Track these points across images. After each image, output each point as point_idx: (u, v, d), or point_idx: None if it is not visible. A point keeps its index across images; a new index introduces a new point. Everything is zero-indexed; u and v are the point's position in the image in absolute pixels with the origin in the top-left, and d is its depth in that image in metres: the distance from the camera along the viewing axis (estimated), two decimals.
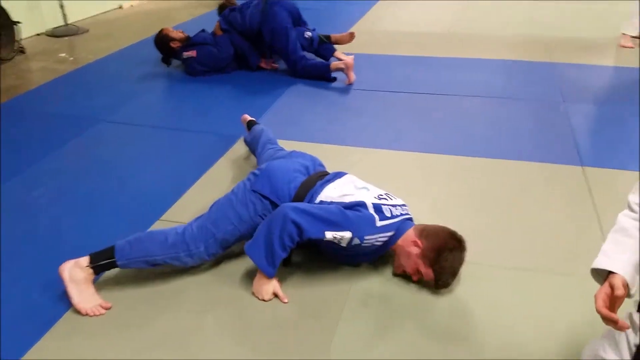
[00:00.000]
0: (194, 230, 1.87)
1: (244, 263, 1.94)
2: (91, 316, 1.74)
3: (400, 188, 2.21)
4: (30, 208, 2.38)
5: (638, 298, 1.25)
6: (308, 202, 1.87)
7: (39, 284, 1.89)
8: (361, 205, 1.81)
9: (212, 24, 4.19)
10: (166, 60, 4.09)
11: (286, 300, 1.79)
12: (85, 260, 1.79)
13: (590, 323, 1.68)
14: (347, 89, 3.71)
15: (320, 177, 2.00)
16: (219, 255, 1.93)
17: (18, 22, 4.46)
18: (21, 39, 4.58)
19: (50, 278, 1.86)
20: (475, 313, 1.76)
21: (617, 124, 3.10)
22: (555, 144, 2.86)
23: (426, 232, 1.81)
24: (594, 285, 1.84)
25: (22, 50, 4.60)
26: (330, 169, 2.18)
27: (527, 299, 1.81)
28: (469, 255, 1.81)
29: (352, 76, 3.73)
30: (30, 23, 5.00)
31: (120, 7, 6.35)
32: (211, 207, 1.95)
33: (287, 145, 2.52)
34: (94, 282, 1.83)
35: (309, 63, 3.86)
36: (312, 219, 1.71)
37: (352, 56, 3.98)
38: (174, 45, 3.99)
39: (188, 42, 3.99)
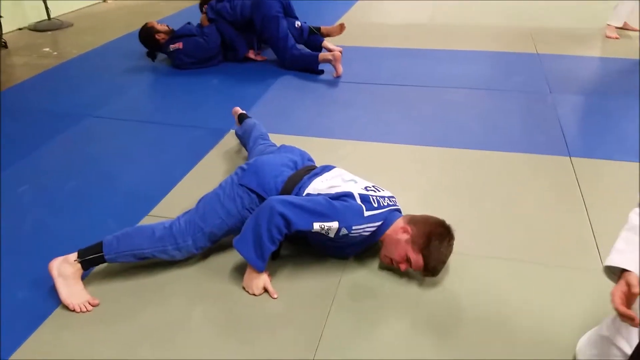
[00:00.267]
0: (181, 224, 1.87)
1: (232, 257, 1.94)
2: (78, 312, 1.73)
3: (389, 180, 2.22)
4: (16, 205, 2.35)
5: None
6: (295, 195, 1.87)
7: (27, 282, 1.87)
8: (348, 195, 1.81)
9: (197, 17, 4.17)
10: (151, 54, 4.05)
11: (275, 296, 1.79)
12: (73, 255, 1.79)
13: (579, 314, 1.70)
14: (335, 81, 3.70)
15: (308, 171, 2.00)
16: (207, 249, 1.93)
17: (0, 16, 4.39)
18: (3, 34, 4.50)
19: (38, 275, 1.85)
20: (463, 304, 1.77)
21: (603, 114, 3.12)
22: (543, 134, 2.87)
23: (415, 220, 1.83)
24: (582, 276, 1.86)
25: (4, 45, 4.53)
26: (319, 162, 2.17)
27: (515, 290, 1.82)
28: (457, 246, 1.82)
29: (340, 69, 3.73)
30: (13, 17, 4.92)
31: (105, 1, 6.28)
32: (199, 202, 1.95)
33: (276, 138, 2.51)
34: (83, 278, 1.81)
35: (298, 52, 3.87)
36: (299, 210, 1.71)
37: (340, 48, 3.99)
38: (159, 37, 3.95)
39: (173, 35, 3.95)
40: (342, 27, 4.26)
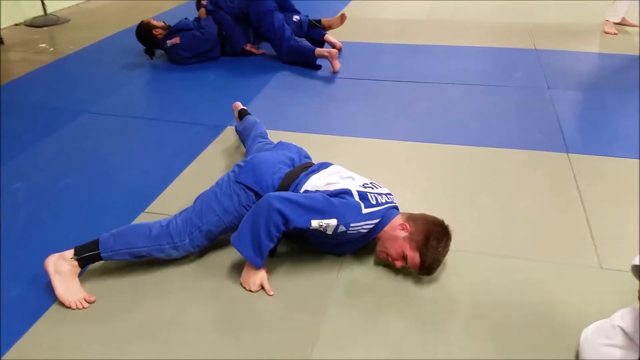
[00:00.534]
0: (178, 223, 1.86)
1: (229, 254, 1.94)
2: (74, 309, 1.73)
3: (386, 177, 2.21)
4: (11, 201, 2.34)
5: None
6: (292, 191, 1.87)
7: (22, 279, 1.87)
8: (346, 192, 1.80)
9: (193, 14, 4.16)
10: (149, 51, 4.03)
11: (272, 293, 1.78)
12: (70, 252, 1.79)
13: (576, 310, 1.70)
14: (332, 77, 3.69)
15: (305, 168, 2.00)
16: (204, 247, 1.92)
17: None
18: None
19: (34, 272, 1.85)
20: (460, 301, 1.76)
21: (602, 110, 3.12)
22: (541, 131, 2.87)
23: (414, 217, 1.83)
24: (579, 273, 1.86)
25: (0, 41, 4.51)
26: (316, 158, 2.17)
27: (512, 287, 1.82)
28: (455, 243, 1.82)
29: (337, 65, 3.72)
30: (8, 13, 4.90)
31: None
32: (195, 201, 1.94)
33: (273, 134, 2.51)
34: (80, 275, 1.81)
35: (295, 44, 3.85)
36: (297, 207, 1.70)
37: (341, 44, 4.00)
38: (156, 33, 3.94)
39: (170, 30, 3.94)
40: (343, 18, 4.25)
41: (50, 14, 5.27)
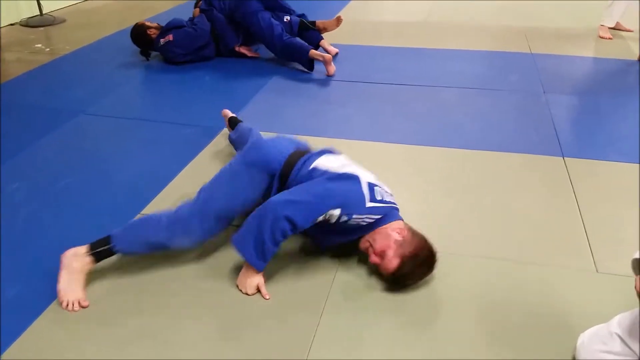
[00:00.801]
0: (186, 208, 1.87)
1: (227, 256, 1.93)
2: (64, 309, 1.72)
3: (383, 179, 2.20)
4: (10, 201, 2.33)
5: None
6: (300, 169, 1.88)
7: (21, 278, 1.87)
8: (354, 179, 1.80)
9: (189, 15, 4.15)
10: (145, 52, 4.04)
11: (268, 297, 1.78)
12: (83, 248, 1.79)
13: (572, 313, 1.71)
14: (329, 80, 3.69)
15: (310, 151, 2.01)
16: (214, 235, 1.91)
17: None
18: None
19: (32, 272, 1.85)
20: (456, 304, 1.77)
21: (597, 114, 3.13)
22: (536, 134, 2.88)
23: (414, 231, 1.83)
24: (576, 277, 1.87)
25: None
26: None
27: (508, 289, 1.82)
28: (450, 246, 1.83)
29: (331, 69, 3.71)
30: (4, 13, 4.88)
31: None
32: (200, 190, 1.93)
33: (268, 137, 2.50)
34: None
35: (289, 39, 3.82)
36: (304, 208, 1.70)
37: (337, 50, 3.99)
38: (150, 33, 3.95)
39: (163, 29, 3.96)
40: (338, 21, 4.18)
41: (46, 14, 5.26)
